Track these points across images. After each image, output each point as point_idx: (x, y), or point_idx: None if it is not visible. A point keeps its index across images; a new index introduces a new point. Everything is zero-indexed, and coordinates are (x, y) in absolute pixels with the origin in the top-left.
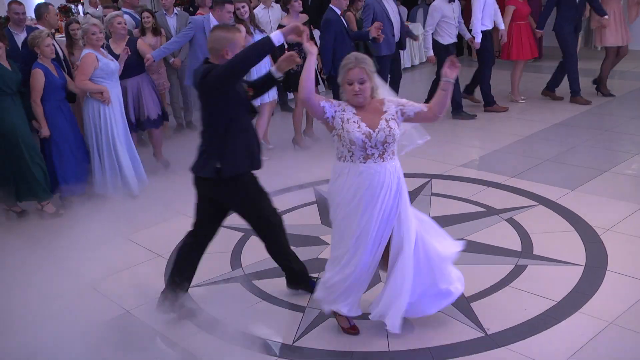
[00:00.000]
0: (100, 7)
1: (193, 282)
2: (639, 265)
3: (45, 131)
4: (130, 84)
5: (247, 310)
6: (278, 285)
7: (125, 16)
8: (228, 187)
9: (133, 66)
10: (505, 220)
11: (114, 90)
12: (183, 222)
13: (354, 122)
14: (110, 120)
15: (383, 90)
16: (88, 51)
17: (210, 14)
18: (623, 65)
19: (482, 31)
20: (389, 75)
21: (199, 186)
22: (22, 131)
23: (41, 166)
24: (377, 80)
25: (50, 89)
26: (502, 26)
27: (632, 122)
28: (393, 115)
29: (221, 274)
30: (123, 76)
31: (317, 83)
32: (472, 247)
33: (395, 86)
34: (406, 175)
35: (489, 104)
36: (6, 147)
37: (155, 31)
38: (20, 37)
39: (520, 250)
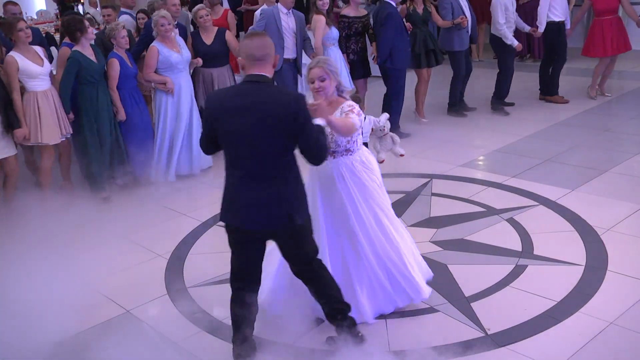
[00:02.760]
0: (99, 7)
1: (193, 282)
2: (639, 265)
3: (121, 115)
4: (217, 72)
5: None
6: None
7: (125, 16)
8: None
9: (221, 56)
10: (506, 220)
11: (178, 81)
12: (183, 222)
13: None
14: (169, 109)
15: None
16: (152, 44)
17: (280, 3)
18: (623, 65)
19: (554, 22)
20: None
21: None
22: (103, 115)
23: (113, 153)
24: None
25: (124, 78)
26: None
27: (632, 122)
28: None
29: (221, 274)
30: (210, 65)
31: (368, 74)
32: (472, 247)
33: (465, 79)
34: (406, 175)
35: (551, 93)
36: (88, 130)
37: None
38: None
39: (521, 250)
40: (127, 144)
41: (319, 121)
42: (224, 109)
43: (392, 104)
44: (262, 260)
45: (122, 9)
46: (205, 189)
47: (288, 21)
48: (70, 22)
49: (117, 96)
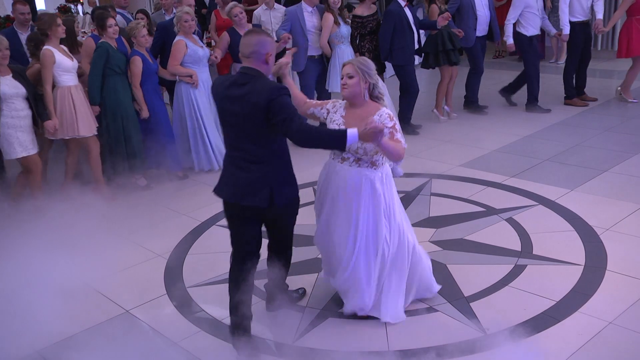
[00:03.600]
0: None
1: (193, 282)
2: (639, 265)
3: (145, 113)
4: None
5: None
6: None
7: (117, 17)
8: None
9: None
10: (505, 220)
11: (202, 75)
12: (183, 222)
13: (337, 124)
14: (197, 101)
15: (386, 100)
16: (179, 38)
17: (303, 1)
18: (622, 65)
19: (577, 22)
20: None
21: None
22: (127, 106)
23: (138, 142)
24: (382, 88)
25: (146, 75)
26: (599, 14)
27: (632, 122)
28: None
29: (221, 274)
30: None
31: (383, 69)
32: (472, 247)
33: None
34: (406, 175)
35: (569, 97)
36: (111, 122)
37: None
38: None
39: (520, 250)
40: (153, 140)
41: (351, 132)
42: (222, 97)
43: (400, 100)
44: (257, 237)
45: (117, 9)
46: (205, 189)
47: (312, 19)
48: (100, 15)
49: (141, 94)
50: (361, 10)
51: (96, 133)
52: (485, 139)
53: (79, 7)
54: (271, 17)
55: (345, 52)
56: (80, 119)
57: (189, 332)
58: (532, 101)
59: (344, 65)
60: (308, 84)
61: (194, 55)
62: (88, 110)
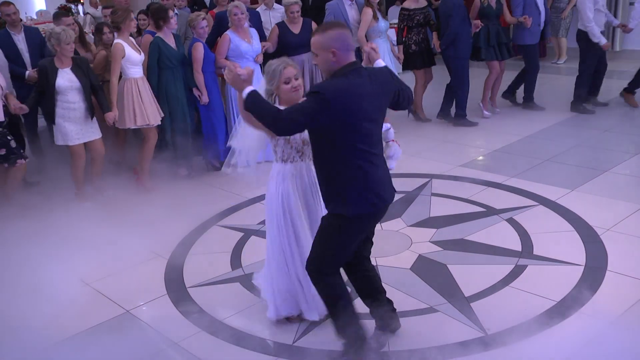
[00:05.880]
0: (100, 7)
1: (193, 282)
2: (639, 265)
3: (205, 98)
4: (307, 57)
5: (247, 310)
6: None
7: None
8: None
9: (308, 43)
10: (505, 220)
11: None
12: (183, 222)
13: None
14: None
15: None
16: (226, 32)
17: None
18: (621, 65)
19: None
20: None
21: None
22: (176, 100)
23: (185, 135)
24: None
25: (207, 61)
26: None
27: (632, 122)
28: None
29: (221, 274)
30: (301, 51)
31: (432, 64)
32: (472, 247)
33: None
34: (406, 175)
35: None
36: (166, 113)
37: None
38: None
39: (520, 250)
40: (208, 127)
41: None
42: (363, 96)
43: (457, 94)
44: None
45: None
46: (205, 190)
47: (352, 12)
48: (156, 10)
49: (202, 79)
50: (409, 3)
51: (160, 123)
52: (485, 139)
53: (79, 7)
54: (270, 17)
55: (382, 46)
56: (148, 108)
57: (189, 332)
58: (579, 100)
59: (284, 69)
60: None
61: (235, 50)
62: (153, 101)
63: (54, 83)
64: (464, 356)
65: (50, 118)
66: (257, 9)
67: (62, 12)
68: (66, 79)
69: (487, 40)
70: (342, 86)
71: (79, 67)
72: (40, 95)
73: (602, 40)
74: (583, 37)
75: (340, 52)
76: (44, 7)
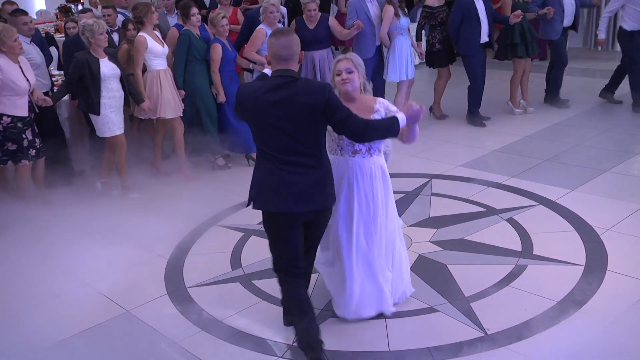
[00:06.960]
0: (100, 7)
1: (193, 282)
2: (639, 265)
3: (222, 97)
4: (318, 55)
5: (247, 310)
6: (278, 285)
7: (119, 16)
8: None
9: (323, 40)
10: (505, 220)
11: None
12: (183, 222)
13: None
14: None
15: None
16: (261, 26)
17: None
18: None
19: (626, 31)
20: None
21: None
22: (204, 92)
23: (213, 125)
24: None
25: (224, 62)
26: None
27: (632, 122)
28: (382, 116)
29: (221, 274)
30: (314, 48)
31: (453, 61)
32: (472, 247)
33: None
34: (406, 176)
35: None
36: (189, 105)
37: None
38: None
39: (520, 250)
40: (230, 122)
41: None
42: (262, 103)
43: (468, 90)
44: (302, 246)
45: (118, 9)
46: (205, 190)
47: (373, 9)
48: (184, 5)
49: (219, 79)
50: (432, 2)
51: (181, 115)
52: (485, 139)
53: (80, 7)
54: None
55: (404, 43)
56: (164, 102)
57: (189, 332)
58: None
59: (338, 62)
60: (365, 73)
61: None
62: (175, 94)
63: (98, 72)
64: (464, 356)
65: (95, 110)
66: (257, 8)
67: (85, 9)
68: (109, 67)
69: (522, 36)
70: (245, 90)
71: (113, 57)
72: (68, 88)
73: (601, 35)
74: (623, 35)
75: (273, 59)
76: (44, 7)
